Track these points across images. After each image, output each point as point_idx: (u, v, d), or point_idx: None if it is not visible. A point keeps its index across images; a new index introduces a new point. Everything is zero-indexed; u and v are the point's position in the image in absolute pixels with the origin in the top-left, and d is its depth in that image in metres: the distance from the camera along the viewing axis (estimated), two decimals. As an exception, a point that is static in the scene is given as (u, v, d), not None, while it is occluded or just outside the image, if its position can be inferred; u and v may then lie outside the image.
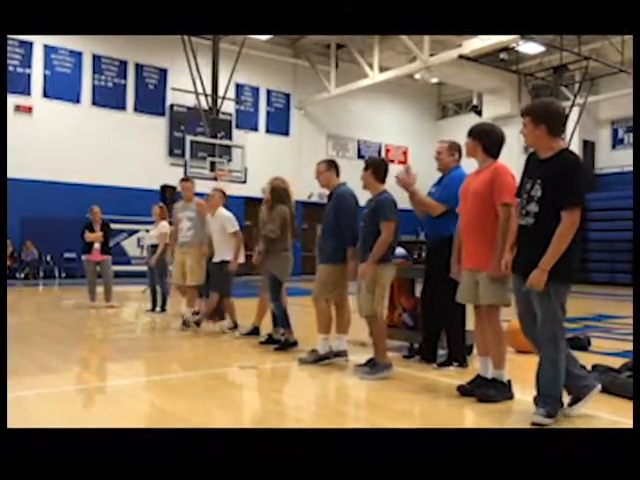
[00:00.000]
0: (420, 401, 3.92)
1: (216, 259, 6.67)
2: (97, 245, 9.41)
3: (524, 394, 3.75)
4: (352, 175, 5.37)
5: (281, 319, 5.66)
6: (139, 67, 17.71)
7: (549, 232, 3.23)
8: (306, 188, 19.35)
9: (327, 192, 5.24)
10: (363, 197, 4.95)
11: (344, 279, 5.02)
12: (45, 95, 16.20)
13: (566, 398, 3.45)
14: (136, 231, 16.66)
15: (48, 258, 16.01)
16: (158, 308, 8.72)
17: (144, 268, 9.59)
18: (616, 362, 4.52)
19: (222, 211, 6.72)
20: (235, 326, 6.70)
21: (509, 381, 3.87)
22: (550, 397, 3.32)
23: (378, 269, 4.50)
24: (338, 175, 5.25)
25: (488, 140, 3.95)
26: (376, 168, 4.70)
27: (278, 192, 5.79)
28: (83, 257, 9.60)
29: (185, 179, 7.75)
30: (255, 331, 6.33)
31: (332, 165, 5.24)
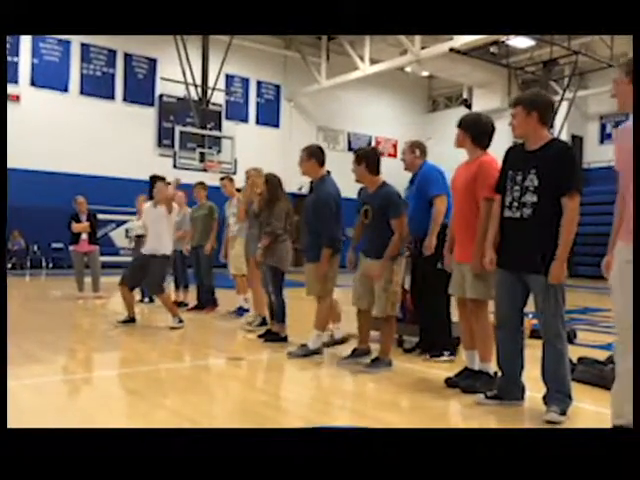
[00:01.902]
0: (408, 392, 3.95)
1: (151, 252, 6.39)
2: (84, 236, 9.36)
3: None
4: (342, 167, 5.37)
5: (279, 313, 5.60)
6: (128, 56, 17.54)
7: (550, 222, 3.24)
8: (296, 180, 19.33)
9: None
10: (354, 189, 4.93)
11: (336, 273, 5.03)
12: (33, 84, 16.02)
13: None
14: (124, 222, 16.51)
15: (35, 248, 15.89)
16: (147, 299, 8.70)
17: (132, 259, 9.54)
18: (601, 354, 4.57)
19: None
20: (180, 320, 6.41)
21: (495, 373, 3.90)
22: (562, 393, 3.31)
23: (392, 266, 4.43)
24: (322, 164, 5.01)
25: (476, 131, 3.92)
26: (369, 161, 4.51)
27: (274, 186, 5.72)
28: (71, 248, 9.54)
29: (223, 178, 7.77)
30: (265, 322, 6.27)
31: (313, 154, 4.98)
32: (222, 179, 7.72)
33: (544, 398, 3.37)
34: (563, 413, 3.26)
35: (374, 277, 4.44)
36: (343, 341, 5.32)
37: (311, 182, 5.13)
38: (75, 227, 9.34)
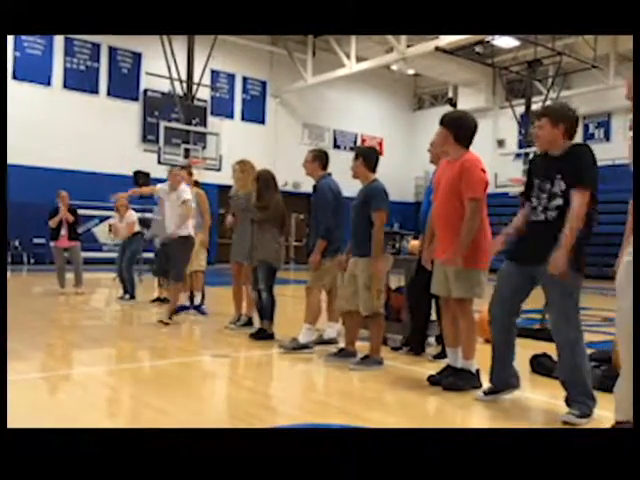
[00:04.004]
0: (392, 390, 3.96)
1: (170, 235, 6.43)
2: (64, 231, 9.23)
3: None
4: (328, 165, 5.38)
5: (267, 310, 5.57)
6: (112, 50, 17.39)
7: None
8: (281, 177, 19.23)
9: (302, 182, 5.29)
10: (341, 186, 4.98)
11: (336, 268, 5.06)
12: (15, 77, 15.80)
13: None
14: (108, 217, 16.41)
15: (16, 243, 15.70)
16: (127, 295, 8.63)
17: (115, 255, 9.48)
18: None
19: (182, 185, 6.63)
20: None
21: (477, 370, 3.93)
22: (582, 395, 3.25)
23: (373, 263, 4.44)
24: (325, 167, 5.27)
25: (458, 129, 3.88)
26: (366, 157, 4.64)
27: (264, 180, 5.67)
28: (51, 243, 9.46)
29: (183, 167, 7.75)
30: (250, 322, 6.21)
31: (318, 157, 5.26)
32: (182, 167, 7.70)
33: (566, 400, 3.33)
34: (583, 416, 3.19)
35: (376, 274, 4.41)
36: (331, 342, 5.31)
37: (314, 185, 5.27)
38: (54, 221, 9.21)
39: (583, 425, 3.17)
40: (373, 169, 4.65)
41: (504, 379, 3.63)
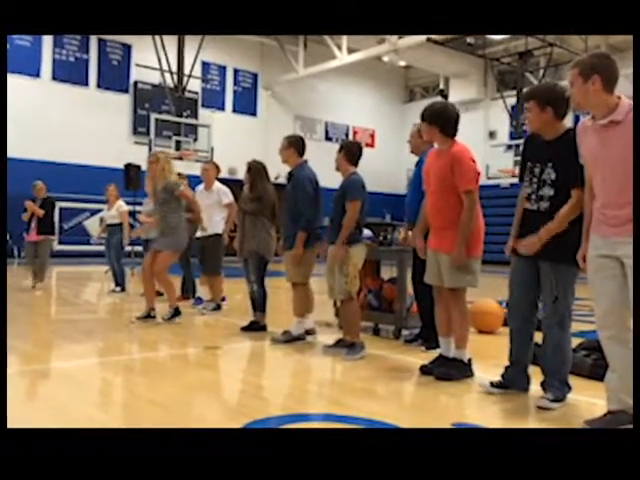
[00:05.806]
0: (385, 380, 3.97)
1: (210, 232, 6.80)
2: (34, 225, 9.05)
3: (486, 373, 3.86)
4: (319, 157, 5.38)
5: (260, 302, 5.58)
6: (102, 42, 17.24)
7: None
8: (273, 169, 19.22)
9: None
10: (331, 178, 4.96)
11: (314, 260, 5.06)
12: (3, 68, 15.65)
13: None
14: (99, 210, 16.32)
15: (7, 237, 15.58)
16: (118, 288, 8.62)
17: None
18: (574, 342, 4.64)
19: (217, 184, 6.97)
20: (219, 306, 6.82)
21: (469, 360, 3.95)
22: (558, 380, 3.31)
23: (349, 250, 4.53)
24: (301, 154, 5.15)
25: (442, 121, 3.86)
26: (348, 151, 4.72)
27: (256, 171, 5.69)
28: (24, 236, 9.30)
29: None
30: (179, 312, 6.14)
31: (292, 143, 5.13)
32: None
33: (542, 384, 3.39)
34: (557, 400, 3.26)
35: (332, 258, 4.55)
36: (309, 333, 5.21)
37: (289, 172, 5.17)
38: (26, 215, 9.10)
39: (556, 409, 3.23)
40: (355, 163, 4.72)
41: (514, 378, 3.56)
